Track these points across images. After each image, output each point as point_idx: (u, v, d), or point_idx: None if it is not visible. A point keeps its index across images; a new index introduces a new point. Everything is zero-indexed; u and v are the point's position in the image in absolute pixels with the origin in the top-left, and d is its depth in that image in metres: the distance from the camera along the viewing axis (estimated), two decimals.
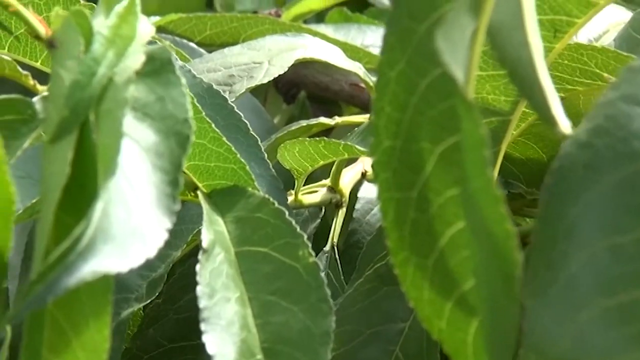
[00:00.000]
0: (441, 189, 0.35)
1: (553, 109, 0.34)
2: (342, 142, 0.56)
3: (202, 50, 0.81)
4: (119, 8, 0.41)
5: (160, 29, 0.86)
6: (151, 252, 0.34)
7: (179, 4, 0.95)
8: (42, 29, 0.45)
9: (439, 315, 0.37)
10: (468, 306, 0.36)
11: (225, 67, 0.71)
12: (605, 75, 0.55)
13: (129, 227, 0.34)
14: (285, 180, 0.60)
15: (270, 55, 0.71)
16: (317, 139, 0.58)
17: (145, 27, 0.42)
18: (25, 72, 0.69)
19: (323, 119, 0.76)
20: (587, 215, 0.33)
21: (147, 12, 0.93)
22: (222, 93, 0.55)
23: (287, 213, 0.48)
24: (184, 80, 0.41)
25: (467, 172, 0.33)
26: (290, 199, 0.65)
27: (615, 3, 0.52)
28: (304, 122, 0.75)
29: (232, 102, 0.59)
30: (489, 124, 0.52)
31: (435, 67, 0.35)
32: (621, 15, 0.70)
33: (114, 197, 0.34)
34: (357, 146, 0.55)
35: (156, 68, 0.41)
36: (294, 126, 0.75)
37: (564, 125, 0.34)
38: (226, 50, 0.73)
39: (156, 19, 0.86)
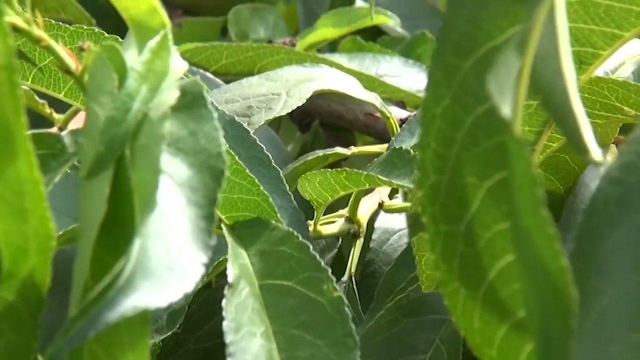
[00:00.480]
0: (489, 223, 0.36)
1: (585, 136, 0.35)
2: (364, 173, 0.57)
3: (218, 80, 0.83)
4: (151, 44, 0.42)
5: None
6: (189, 287, 0.35)
7: (195, 32, 0.96)
8: (73, 64, 0.46)
9: (490, 343, 0.38)
10: (519, 334, 0.37)
11: (243, 98, 0.72)
12: (626, 108, 0.56)
13: (167, 262, 0.34)
14: (303, 209, 0.61)
15: (288, 87, 0.72)
16: (339, 169, 0.59)
17: (178, 62, 0.43)
18: (42, 101, 0.70)
19: (339, 149, 0.77)
20: (618, 251, 0.34)
21: None
22: (244, 125, 0.56)
23: (310, 247, 0.48)
24: (215, 115, 0.42)
25: (519, 210, 0.34)
26: (309, 229, 0.66)
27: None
28: (320, 152, 0.76)
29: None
30: None
31: (481, 104, 0.36)
32: (637, 48, 0.71)
33: (151, 232, 0.34)
34: (379, 176, 0.56)
35: (188, 102, 0.42)
36: (310, 156, 0.76)
37: (595, 152, 0.35)
38: (244, 81, 0.74)
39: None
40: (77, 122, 0.72)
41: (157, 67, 0.42)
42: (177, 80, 0.42)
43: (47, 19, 0.60)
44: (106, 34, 0.58)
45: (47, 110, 0.72)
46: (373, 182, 0.58)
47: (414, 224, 0.57)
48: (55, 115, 0.73)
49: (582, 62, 0.51)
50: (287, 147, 1.01)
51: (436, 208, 0.37)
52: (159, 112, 0.39)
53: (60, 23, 0.59)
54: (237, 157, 0.51)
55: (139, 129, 0.39)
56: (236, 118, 0.68)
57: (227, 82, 0.85)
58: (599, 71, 0.69)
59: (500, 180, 0.36)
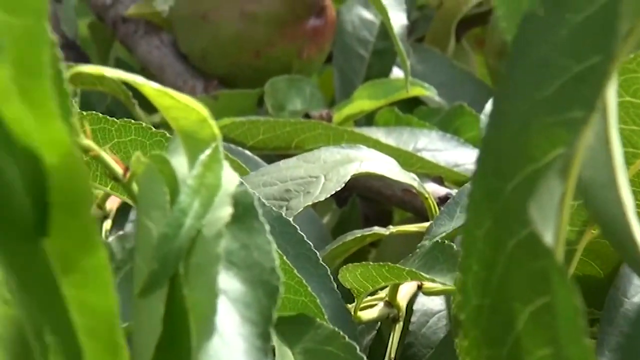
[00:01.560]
0: (532, 348, 0.38)
1: None
2: (406, 268, 0.59)
3: (256, 157, 0.85)
4: (203, 156, 0.44)
5: None
6: None
7: (231, 104, 0.99)
8: (121, 172, 0.49)
9: None
10: None
11: (281, 181, 0.74)
12: None
13: None
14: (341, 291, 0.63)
15: (326, 169, 0.75)
16: (381, 263, 0.61)
17: (230, 174, 0.45)
18: None
19: (377, 229, 0.79)
20: None
21: None
22: (291, 222, 0.58)
23: (357, 348, 0.50)
24: (267, 227, 0.43)
25: (561, 337, 0.36)
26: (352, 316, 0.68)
27: None
28: (358, 233, 0.78)
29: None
30: None
31: (523, 227, 0.37)
32: None
33: (209, 356, 0.37)
34: (421, 273, 0.58)
35: (239, 214, 0.44)
36: (349, 237, 0.78)
37: None
38: (281, 163, 0.77)
39: None
40: (112, 203, 0.75)
41: (209, 180, 0.44)
42: (229, 195, 0.44)
43: (94, 112, 0.63)
44: (153, 129, 0.61)
45: None
46: (415, 277, 0.60)
47: (456, 326, 0.59)
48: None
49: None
50: (323, 218, 1.03)
51: (478, 332, 0.39)
52: (213, 229, 0.41)
53: (108, 117, 0.62)
54: (285, 257, 0.53)
55: (192, 246, 0.41)
56: (272, 201, 0.72)
57: (264, 157, 0.88)
58: None
59: (544, 305, 0.38)
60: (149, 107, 1.07)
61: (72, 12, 1.20)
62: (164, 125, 0.97)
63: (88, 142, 0.49)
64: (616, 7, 0.38)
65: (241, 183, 0.46)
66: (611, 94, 0.39)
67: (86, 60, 1.10)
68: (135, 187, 0.47)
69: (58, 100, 0.34)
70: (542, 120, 0.37)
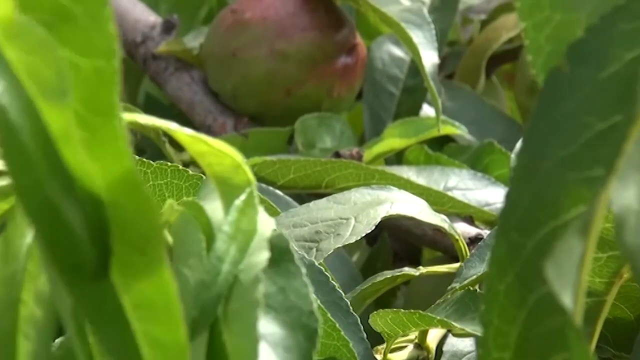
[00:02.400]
0: None
1: None
2: (437, 317, 0.61)
3: (287, 197, 0.88)
4: (238, 202, 0.46)
5: None
6: None
7: (261, 142, 1.02)
8: None
9: None
10: None
11: (311, 223, 0.77)
12: None
13: None
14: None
15: (356, 211, 0.77)
16: (412, 311, 0.63)
17: (265, 219, 0.47)
18: None
19: (407, 270, 0.81)
20: None
21: None
22: (323, 270, 0.60)
23: None
24: (303, 270, 0.45)
25: None
26: (379, 357, 0.70)
27: None
28: (388, 274, 0.80)
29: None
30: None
31: (543, 285, 0.39)
32: None
33: None
34: (452, 322, 0.60)
35: (275, 257, 0.45)
36: (379, 277, 0.80)
37: None
38: (312, 204, 0.79)
39: None
40: None
41: (244, 226, 0.46)
42: (265, 239, 0.45)
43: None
44: (190, 172, 0.63)
45: None
46: (446, 326, 0.62)
47: None
48: None
49: None
50: (353, 257, 1.06)
51: None
52: (250, 274, 0.43)
53: (144, 159, 0.64)
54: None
55: (231, 292, 0.43)
56: (301, 243, 0.74)
57: (294, 195, 0.91)
58: None
59: None
60: (179, 145, 1.09)
61: None
62: (194, 163, 1.00)
63: None
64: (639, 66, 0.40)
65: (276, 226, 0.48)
66: None
67: None
68: (168, 235, 0.49)
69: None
70: (564, 177, 0.39)
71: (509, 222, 0.41)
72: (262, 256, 0.44)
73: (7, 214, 0.45)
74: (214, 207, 0.49)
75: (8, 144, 0.30)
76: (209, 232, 0.46)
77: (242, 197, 0.47)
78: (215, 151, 0.47)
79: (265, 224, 0.47)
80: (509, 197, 0.41)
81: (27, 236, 0.41)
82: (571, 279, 0.38)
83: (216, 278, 0.43)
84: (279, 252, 0.46)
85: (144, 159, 0.64)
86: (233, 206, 0.46)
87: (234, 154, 0.48)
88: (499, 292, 0.41)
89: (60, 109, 0.31)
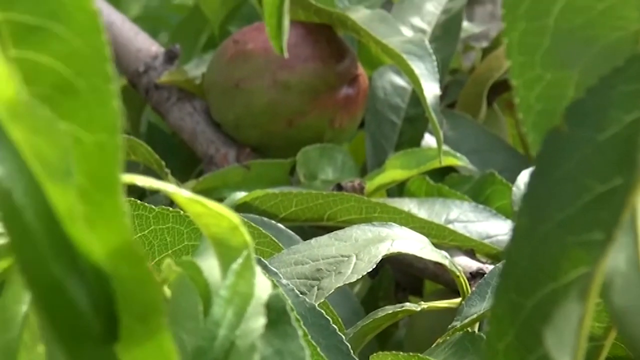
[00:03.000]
0: None
1: None
2: None
3: (288, 230, 0.88)
4: (235, 265, 0.47)
5: (245, 205, 0.93)
6: None
7: (263, 174, 1.02)
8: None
9: None
10: None
11: (312, 260, 0.77)
12: None
13: None
14: None
15: (358, 248, 0.77)
16: (411, 354, 0.63)
17: (263, 282, 0.47)
18: None
19: (409, 305, 0.81)
20: None
21: (231, 184, 1.01)
22: (324, 314, 0.61)
23: None
24: (300, 332, 0.46)
25: None
26: None
27: None
28: (389, 309, 0.81)
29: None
30: None
31: (542, 345, 0.40)
32: None
33: None
34: None
35: (272, 318, 0.46)
36: (380, 313, 0.80)
37: None
38: (313, 241, 0.80)
39: (242, 194, 0.93)
40: None
41: (241, 289, 0.46)
42: (262, 304, 0.46)
43: (132, 198, 0.66)
44: (190, 219, 0.63)
45: None
46: None
47: None
48: None
49: None
50: (354, 289, 1.06)
51: None
52: (247, 340, 0.44)
53: (146, 204, 0.65)
54: (317, 348, 0.56)
55: (227, 358, 0.43)
56: (303, 280, 0.74)
57: (296, 228, 0.91)
58: None
59: None
60: (182, 176, 1.10)
61: None
62: (198, 194, 1.00)
63: None
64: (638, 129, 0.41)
65: (274, 288, 0.48)
66: None
67: None
68: (167, 291, 0.50)
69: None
70: (563, 240, 0.40)
71: (509, 282, 0.42)
72: (258, 322, 0.45)
73: (4, 274, 0.45)
74: (211, 266, 0.49)
75: (11, 225, 0.31)
76: (206, 294, 0.47)
77: (240, 259, 0.47)
78: (213, 213, 0.48)
79: (263, 287, 0.47)
80: (508, 257, 0.42)
81: (24, 303, 0.41)
82: (570, 344, 0.38)
83: (212, 343, 0.44)
84: (276, 313, 0.47)
85: (146, 204, 0.65)
86: (230, 269, 0.47)
87: (231, 216, 0.48)
88: (498, 351, 0.41)
89: (65, 187, 0.32)
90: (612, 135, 0.42)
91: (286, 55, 0.92)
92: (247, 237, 0.49)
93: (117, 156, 0.35)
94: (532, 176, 0.42)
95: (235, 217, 0.48)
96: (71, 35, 0.35)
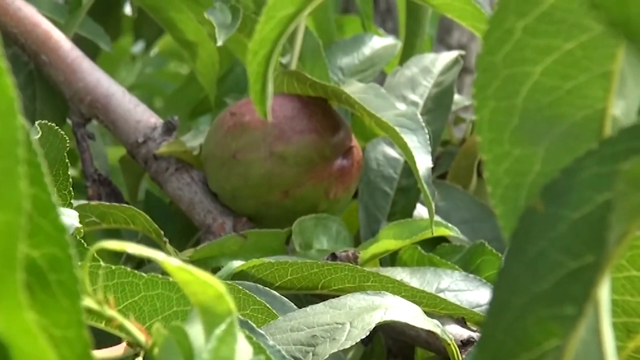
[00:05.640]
0: None
1: None
2: None
3: (283, 298, 0.91)
4: (218, 331, 0.50)
5: (242, 273, 0.96)
6: None
7: (260, 243, 1.06)
8: (143, 339, 0.55)
9: None
10: None
11: (308, 327, 0.81)
12: None
13: None
14: None
15: (352, 316, 0.81)
16: None
17: (244, 348, 0.51)
18: None
19: None
20: None
21: (228, 253, 1.04)
22: None
23: None
24: None
25: None
26: None
27: None
28: None
29: None
30: None
31: None
32: None
33: None
34: None
35: None
36: None
37: None
38: (309, 308, 0.83)
39: (239, 263, 0.96)
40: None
41: (223, 353, 0.50)
42: None
43: (122, 266, 0.69)
44: (178, 287, 0.67)
45: None
46: None
47: None
48: None
49: (630, 331, 0.59)
50: (347, 355, 1.09)
51: None
52: None
53: (135, 271, 0.68)
54: None
55: None
56: (298, 346, 0.78)
57: (291, 296, 0.94)
58: None
59: None
60: (179, 244, 1.14)
61: (103, 149, 1.28)
62: (195, 262, 1.04)
63: (111, 313, 0.55)
64: (611, 209, 0.44)
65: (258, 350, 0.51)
66: (604, 291, 0.45)
67: (119, 196, 1.17)
68: (156, 352, 0.53)
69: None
70: (537, 313, 0.43)
71: (485, 354, 0.45)
72: None
73: None
74: (197, 331, 0.53)
75: None
76: (190, 357, 0.50)
77: (223, 326, 0.51)
78: (200, 281, 0.52)
79: (244, 352, 0.51)
80: (485, 330, 0.45)
81: None
82: None
83: None
84: None
85: (136, 272, 0.68)
86: (213, 335, 0.51)
87: (217, 284, 0.52)
88: None
89: None
90: (584, 215, 0.45)
91: (270, 119, 0.96)
92: (232, 305, 0.52)
93: (19, 235, 0.38)
94: (509, 252, 0.46)
95: (220, 286, 0.52)
96: None
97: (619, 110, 0.47)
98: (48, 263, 0.41)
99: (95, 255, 0.71)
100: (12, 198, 0.37)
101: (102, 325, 0.66)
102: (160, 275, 0.70)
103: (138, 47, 2.13)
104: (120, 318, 0.56)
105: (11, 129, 0.36)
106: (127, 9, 2.02)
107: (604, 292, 0.45)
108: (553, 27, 0.46)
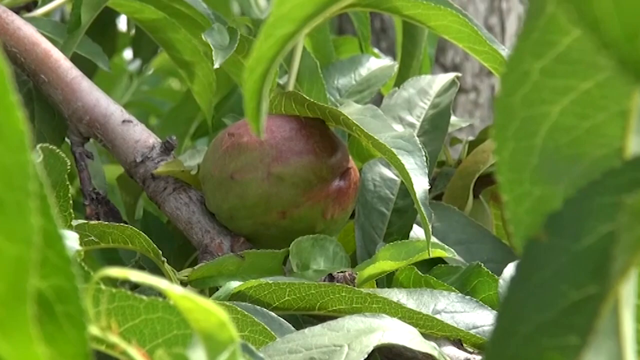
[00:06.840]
0: None
1: None
2: None
3: (280, 319, 0.91)
4: (221, 359, 0.50)
5: (239, 294, 0.96)
6: None
7: (257, 263, 1.06)
8: None
9: None
10: None
11: (306, 349, 0.81)
12: None
13: None
14: None
15: (350, 338, 0.81)
16: None
17: None
18: None
19: None
20: None
21: (226, 273, 1.04)
22: None
23: None
24: None
25: None
26: None
27: None
28: None
29: None
30: None
31: None
32: None
33: None
34: None
35: None
36: None
37: None
38: (307, 330, 0.83)
39: (236, 283, 0.97)
40: None
41: None
42: None
43: (122, 290, 0.69)
44: (178, 310, 0.67)
45: None
46: None
47: None
48: None
49: None
50: None
51: None
52: None
53: (136, 295, 0.68)
54: None
55: None
56: None
57: (289, 317, 0.94)
58: None
59: None
60: (177, 263, 1.14)
61: (101, 168, 1.28)
62: (192, 282, 1.04)
63: (114, 339, 0.56)
64: (614, 240, 0.45)
65: None
66: (626, 319, 0.45)
67: (117, 215, 1.17)
68: None
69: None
70: (540, 343, 0.44)
71: None
72: None
73: None
74: (199, 358, 0.53)
75: None
76: None
77: (226, 353, 0.51)
78: (202, 309, 0.52)
79: None
80: (488, 356, 0.45)
81: None
82: None
83: None
84: None
85: (136, 295, 0.68)
86: None
87: (220, 312, 0.52)
88: None
89: None
90: (588, 246, 0.46)
91: (263, 137, 0.96)
92: (234, 333, 0.53)
93: (30, 268, 0.38)
94: (513, 281, 0.46)
95: (223, 314, 0.52)
96: (3, 150, 0.38)
97: (637, 147, 0.48)
98: (55, 294, 0.41)
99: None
100: (24, 232, 0.37)
101: (102, 348, 0.66)
102: (160, 299, 0.70)
103: (134, 65, 2.14)
104: (123, 345, 0.56)
105: (23, 163, 0.37)
106: (122, 25, 2.02)
107: (626, 321, 0.45)
108: (570, 68, 0.46)
